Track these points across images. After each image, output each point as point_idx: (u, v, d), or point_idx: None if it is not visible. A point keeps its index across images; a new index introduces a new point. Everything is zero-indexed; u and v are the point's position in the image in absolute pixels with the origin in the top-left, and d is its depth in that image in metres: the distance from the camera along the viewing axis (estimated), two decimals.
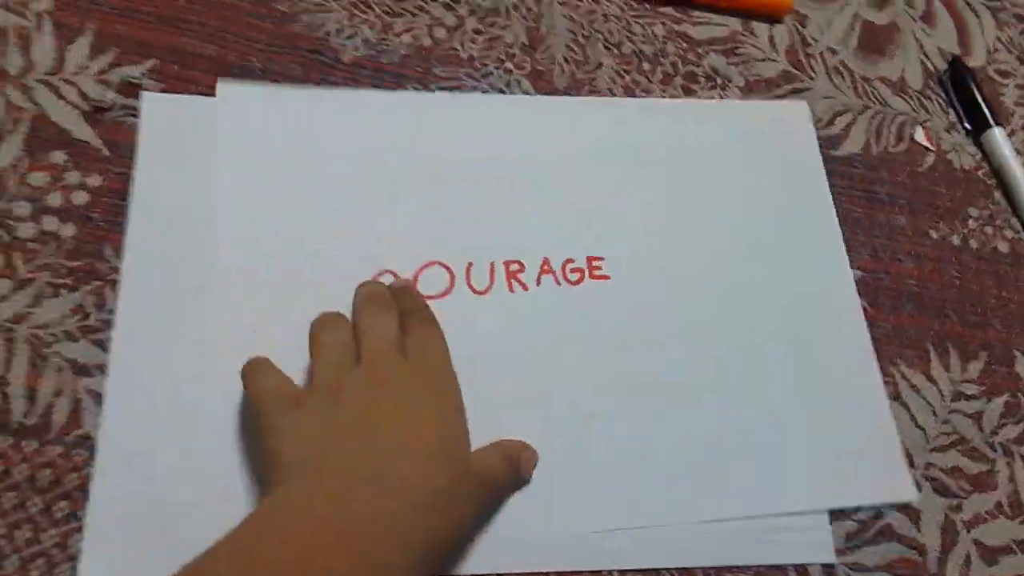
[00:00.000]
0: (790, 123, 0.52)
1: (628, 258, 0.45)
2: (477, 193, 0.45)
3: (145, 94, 0.42)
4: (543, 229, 0.45)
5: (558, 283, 0.43)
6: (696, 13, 0.54)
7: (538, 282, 0.43)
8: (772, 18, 0.55)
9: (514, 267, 0.43)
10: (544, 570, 0.37)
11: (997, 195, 0.52)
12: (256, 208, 0.42)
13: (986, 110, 0.54)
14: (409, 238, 0.43)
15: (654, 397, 0.42)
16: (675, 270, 0.45)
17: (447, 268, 0.43)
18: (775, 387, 0.43)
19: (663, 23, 0.53)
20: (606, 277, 0.44)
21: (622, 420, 0.41)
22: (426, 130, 0.46)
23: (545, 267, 0.44)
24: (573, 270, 0.44)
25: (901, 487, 0.42)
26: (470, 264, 0.43)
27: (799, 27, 0.56)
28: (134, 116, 0.42)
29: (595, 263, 0.44)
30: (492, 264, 0.43)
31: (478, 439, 0.37)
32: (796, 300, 0.46)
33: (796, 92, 0.53)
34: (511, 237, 0.44)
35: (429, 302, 0.41)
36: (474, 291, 0.42)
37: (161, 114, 0.42)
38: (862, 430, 0.43)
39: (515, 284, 0.43)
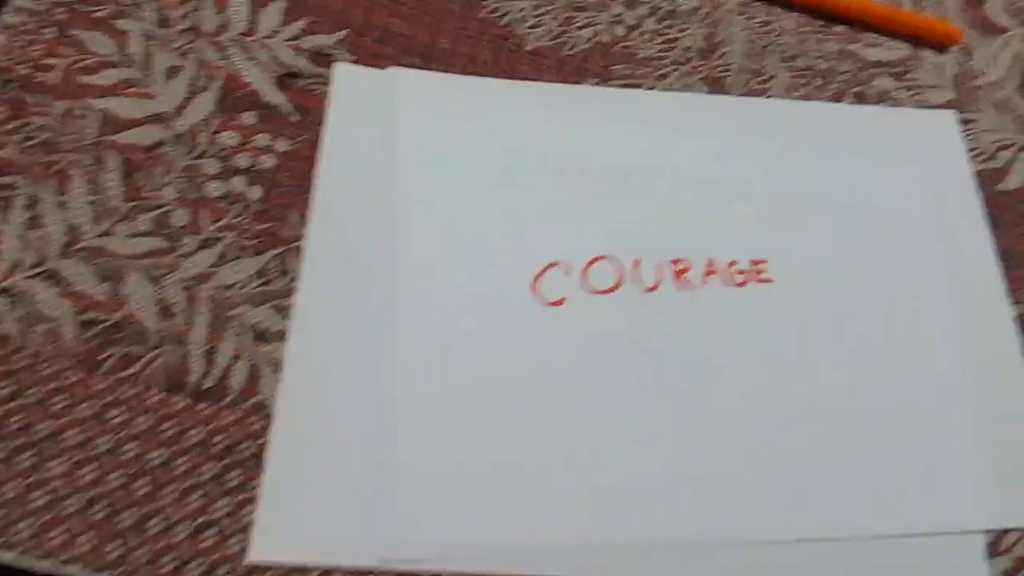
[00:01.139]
0: (940, 132, 0.47)
1: (790, 264, 0.40)
2: (645, 191, 0.41)
3: (337, 65, 0.38)
4: (708, 229, 0.41)
5: (724, 284, 0.39)
6: (867, 35, 0.49)
7: (705, 280, 0.39)
8: (940, 46, 0.50)
9: (680, 266, 0.39)
10: None
11: None
12: (432, 193, 0.37)
13: None
14: (579, 232, 0.39)
15: (805, 405, 0.37)
16: (834, 279, 0.41)
17: (616, 263, 0.38)
18: (929, 401, 0.38)
19: (835, 41, 0.48)
20: (769, 281, 0.40)
21: (779, 426, 0.37)
22: (597, 124, 0.41)
23: (710, 267, 0.39)
24: (739, 272, 0.40)
25: None
26: (637, 261, 0.39)
27: (965, 58, 0.50)
28: (324, 85, 0.38)
29: (759, 266, 0.40)
30: (659, 262, 0.39)
31: (631, 431, 0.34)
32: (953, 317, 0.41)
33: (962, 123, 0.47)
34: (678, 236, 0.40)
35: (598, 296, 0.37)
36: (643, 288, 0.38)
37: (352, 85, 0.38)
38: (1018, 455, 0.38)
39: (682, 283, 0.39)
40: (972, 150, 0.47)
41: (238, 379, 0.32)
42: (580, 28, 0.43)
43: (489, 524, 0.32)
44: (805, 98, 0.46)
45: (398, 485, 0.31)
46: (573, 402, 0.35)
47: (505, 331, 0.35)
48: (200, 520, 0.30)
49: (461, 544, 0.31)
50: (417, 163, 0.37)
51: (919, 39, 0.50)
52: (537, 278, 0.37)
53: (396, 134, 0.37)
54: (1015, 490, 0.37)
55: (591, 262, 0.38)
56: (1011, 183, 0.46)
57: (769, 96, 0.45)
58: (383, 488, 0.31)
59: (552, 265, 0.37)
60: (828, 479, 0.36)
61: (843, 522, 0.35)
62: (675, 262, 0.39)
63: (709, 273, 0.39)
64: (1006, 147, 0.47)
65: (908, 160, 0.45)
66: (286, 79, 0.38)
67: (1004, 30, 0.52)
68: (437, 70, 0.40)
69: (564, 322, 0.36)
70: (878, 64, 0.48)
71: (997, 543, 0.36)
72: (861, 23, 0.49)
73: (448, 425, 0.33)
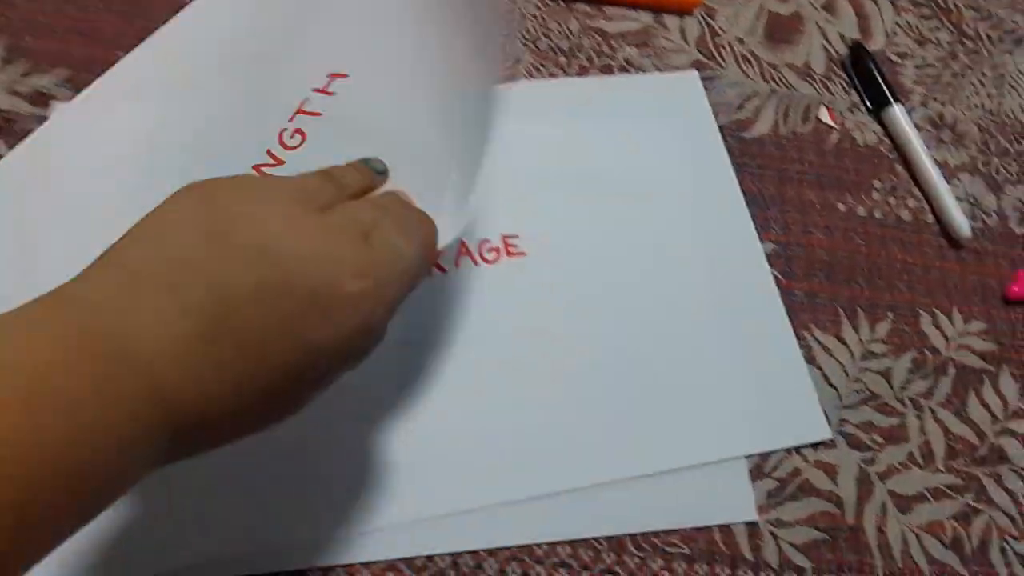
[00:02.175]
0: (683, 92, 0.51)
1: (542, 234, 0.44)
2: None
3: (55, 103, 0.40)
4: None
5: (476, 263, 0.42)
6: (609, 9, 0.53)
7: (456, 263, 0.42)
8: (682, 12, 0.54)
9: None
10: (465, 549, 0.35)
11: (898, 167, 0.51)
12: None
13: (886, 89, 0.53)
14: None
15: (572, 364, 0.40)
16: (588, 244, 0.44)
17: None
18: (691, 347, 0.42)
19: (577, 19, 0.52)
20: (522, 254, 0.43)
21: (542, 388, 0.40)
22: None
23: (463, 249, 0.42)
24: (490, 249, 0.43)
25: (817, 428, 0.41)
26: None
27: (708, 19, 0.55)
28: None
29: (510, 241, 0.43)
30: None
31: (399, 413, 0.36)
32: (708, 266, 0.44)
33: (706, 80, 0.51)
34: None
35: None
36: None
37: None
38: (777, 382, 0.42)
39: (433, 268, 0.41)
40: (719, 104, 0.51)
41: None
42: None
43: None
44: (551, 78, 0.49)
45: None
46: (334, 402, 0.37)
47: None
48: None
49: None
50: None
51: (661, 8, 0.54)
52: None
53: None
54: (772, 415, 0.41)
55: None
56: (756, 130, 0.51)
57: (514, 79, 0.48)
58: None
59: None
60: (599, 430, 0.39)
61: (617, 466, 0.38)
62: None
63: (461, 255, 0.42)
64: (751, 97, 0.52)
65: (652, 122, 0.49)
66: (5, 124, 0.39)
67: None
68: None
69: None
70: (621, 36, 0.52)
71: (760, 467, 0.40)
72: (602, 0, 0.53)
73: None
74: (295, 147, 0.39)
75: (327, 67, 0.41)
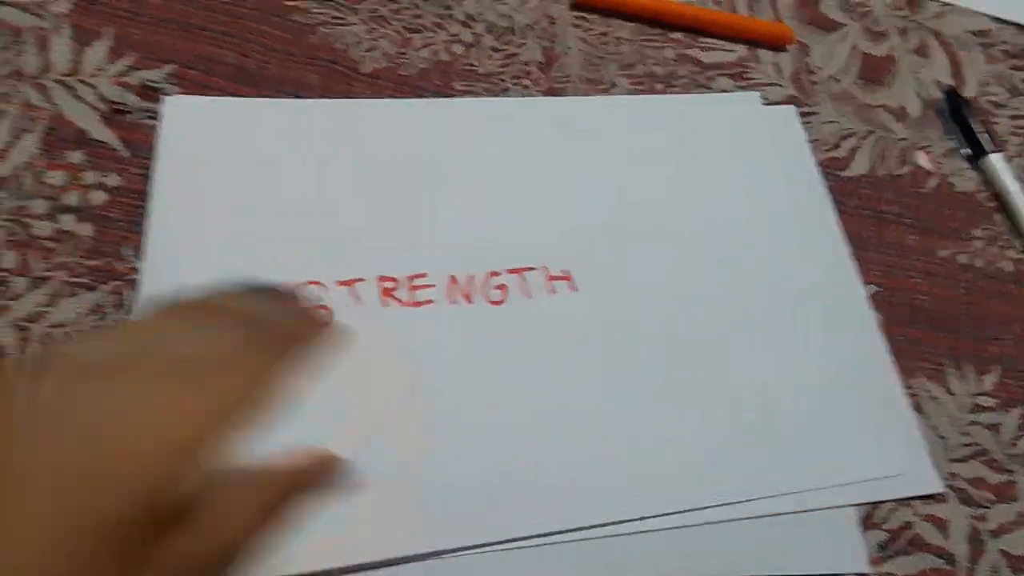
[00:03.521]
0: (781, 126, 0.52)
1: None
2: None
3: (167, 98, 0.41)
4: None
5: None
6: (704, 40, 0.54)
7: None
8: (776, 47, 0.55)
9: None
10: None
11: (998, 217, 0.52)
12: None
13: (984, 139, 0.54)
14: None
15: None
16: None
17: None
18: (795, 392, 0.42)
19: (673, 47, 0.53)
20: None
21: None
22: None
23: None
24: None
25: (927, 480, 0.41)
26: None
27: (803, 55, 0.56)
28: (153, 119, 0.40)
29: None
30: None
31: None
32: (809, 305, 0.45)
33: (803, 116, 0.52)
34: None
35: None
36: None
37: (182, 116, 0.41)
38: (884, 430, 0.42)
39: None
40: (814, 141, 0.52)
41: None
42: (418, 49, 0.47)
43: None
44: None
45: None
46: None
47: None
48: None
49: None
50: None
51: (755, 42, 0.55)
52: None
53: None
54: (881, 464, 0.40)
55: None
56: (854, 170, 0.51)
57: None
58: None
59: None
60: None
61: (726, 510, 0.38)
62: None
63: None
64: (847, 136, 0.53)
65: (752, 154, 0.50)
66: (114, 116, 0.40)
67: (840, 25, 0.59)
68: (266, 96, 0.43)
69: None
70: (716, 66, 0.53)
71: (870, 516, 0.40)
72: (697, 30, 0.54)
73: None
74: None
75: None
